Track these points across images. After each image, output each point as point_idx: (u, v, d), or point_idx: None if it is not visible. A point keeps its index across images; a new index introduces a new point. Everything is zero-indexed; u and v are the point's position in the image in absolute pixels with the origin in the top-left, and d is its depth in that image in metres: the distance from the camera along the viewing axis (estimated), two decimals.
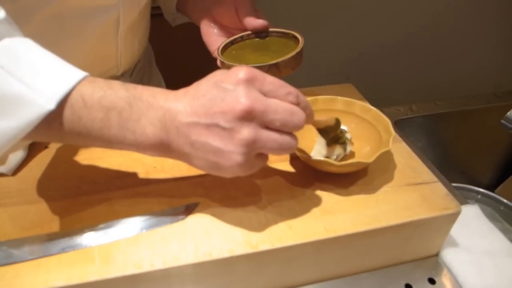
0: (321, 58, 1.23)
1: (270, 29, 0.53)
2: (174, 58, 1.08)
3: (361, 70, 1.38)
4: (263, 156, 0.36)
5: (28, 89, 0.30)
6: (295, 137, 0.35)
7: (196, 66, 1.15)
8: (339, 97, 0.51)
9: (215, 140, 0.32)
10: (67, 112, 0.31)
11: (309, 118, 0.36)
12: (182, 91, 0.34)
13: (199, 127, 0.32)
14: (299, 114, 0.34)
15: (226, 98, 0.32)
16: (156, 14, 0.64)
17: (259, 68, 0.44)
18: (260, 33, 0.53)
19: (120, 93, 0.33)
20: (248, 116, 0.32)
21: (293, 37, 0.52)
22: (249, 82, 0.33)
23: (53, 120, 0.31)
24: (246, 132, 0.32)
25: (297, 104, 0.34)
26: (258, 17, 0.52)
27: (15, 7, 0.34)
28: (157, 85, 0.74)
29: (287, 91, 0.34)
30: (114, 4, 0.48)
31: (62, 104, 0.31)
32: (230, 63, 0.48)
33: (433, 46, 1.42)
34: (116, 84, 0.34)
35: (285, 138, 0.34)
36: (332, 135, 0.44)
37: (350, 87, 0.63)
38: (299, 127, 0.34)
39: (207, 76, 0.35)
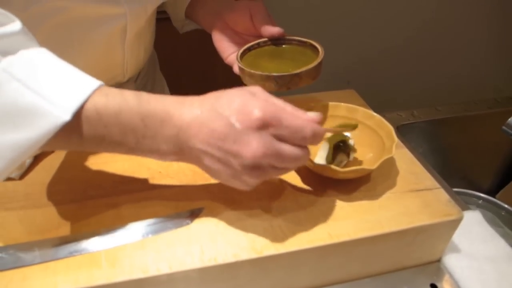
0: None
1: (287, 37, 0.53)
2: (178, 63, 1.08)
3: (362, 75, 1.39)
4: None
5: (44, 101, 0.30)
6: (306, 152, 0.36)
7: (199, 71, 1.16)
8: (342, 104, 0.51)
9: (226, 170, 0.34)
10: (84, 125, 0.32)
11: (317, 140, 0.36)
12: (196, 107, 0.34)
13: (212, 157, 0.34)
14: (304, 160, 0.35)
15: (238, 142, 0.32)
16: (159, 19, 0.64)
17: (282, 77, 0.45)
18: (276, 40, 0.53)
19: (134, 109, 0.33)
20: (257, 164, 0.33)
21: (311, 46, 0.51)
22: (263, 127, 0.32)
23: (71, 132, 0.32)
24: (255, 173, 0.33)
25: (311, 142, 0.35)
26: (273, 24, 0.51)
27: (24, 15, 0.34)
28: (161, 90, 0.75)
29: (302, 137, 0.34)
30: (121, 13, 0.48)
31: (78, 115, 0.32)
32: (252, 71, 0.46)
33: (434, 51, 1.43)
34: (129, 96, 0.34)
35: (298, 153, 0.34)
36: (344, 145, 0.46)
37: (352, 93, 0.63)
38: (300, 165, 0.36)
39: (224, 97, 0.34)
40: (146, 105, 0.34)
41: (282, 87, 0.45)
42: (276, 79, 0.45)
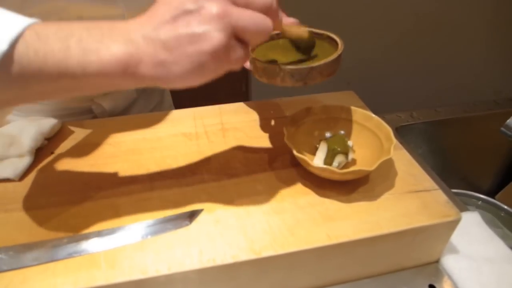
0: None
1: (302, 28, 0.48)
2: None
3: (362, 76, 1.39)
4: (244, 43, 0.33)
5: None
6: (267, 18, 0.33)
7: None
8: (340, 105, 0.52)
9: (187, 27, 0.30)
10: (22, 50, 0.29)
11: (276, 23, 0.34)
12: (141, 17, 0.32)
13: (166, 25, 0.30)
14: (267, 20, 0.32)
15: None
16: None
17: (300, 70, 0.41)
18: None
19: (76, 24, 0.30)
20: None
21: (328, 38, 0.48)
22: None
23: (8, 63, 0.29)
24: (215, 6, 0.30)
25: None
26: (285, 15, 0.47)
27: (22, 14, 0.35)
28: (162, 91, 0.75)
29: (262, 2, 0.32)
30: (119, 14, 0.49)
31: (14, 45, 0.28)
32: (265, 64, 0.42)
33: (434, 53, 1.43)
34: (70, 21, 0.31)
35: (258, 15, 0.32)
36: (308, 51, 0.43)
37: (351, 94, 0.64)
38: (268, 27, 0.32)
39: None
40: (88, 22, 0.31)
41: (299, 81, 0.42)
42: (293, 73, 0.41)
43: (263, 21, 0.32)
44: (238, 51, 0.32)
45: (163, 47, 0.30)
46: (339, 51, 0.44)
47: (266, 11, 0.32)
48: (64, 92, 0.32)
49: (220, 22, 0.30)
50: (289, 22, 0.47)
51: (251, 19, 0.31)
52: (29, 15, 0.40)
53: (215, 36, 0.30)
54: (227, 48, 0.30)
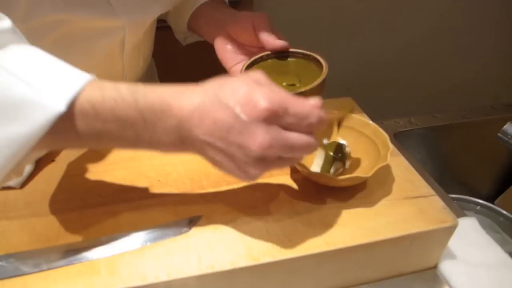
0: None
1: (291, 50, 0.52)
2: (178, 73, 1.09)
3: (361, 82, 1.40)
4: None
5: (37, 92, 0.29)
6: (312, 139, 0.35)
7: (198, 79, 1.17)
8: (338, 112, 0.52)
9: (230, 163, 0.33)
10: (81, 120, 0.31)
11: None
12: (198, 98, 0.33)
13: (215, 148, 0.33)
14: (312, 147, 0.34)
15: (243, 133, 0.31)
16: (160, 27, 0.65)
17: None
18: (280, 53, 0.52)
19: (131, 103, 0.32)
20: (263, 155, 0.32)
21: (314, 60, 0.50)
22: (270, 118, 0.32)
23: (68, 127, 0.31)
24: (260, 166, 0.33)
25: (317, 126, 0.35)
26: (277, 36, 0.51)
27: (26, 28, 0.35)
28: None
29: (308, 123, 0.33)
30: (120, 26, 0.49)
31: (72, 108, 0.30)
32: None
33: (432, 59, 1.44)
34: (125, 90, 0.32)
35: (303, 141, 0.34)
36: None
37: (349, 101, 0.64)
38: (309, 153, 0.36)
39: (227, 85, 0.33)
40: (142, 99, 0.32)
41: None
42: None
43: (307, 147, 0.34)
44: (273, 169, 0.35)
45: (207, 157, 0.34)
46: (323, 76, 0.47)
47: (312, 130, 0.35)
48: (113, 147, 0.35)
49: (261, 164, 0.33)
50: (278, 44, 0.50)
51: (298, 149, 0.34)
52: (32, 27, 0.41)
53: (251, 173, 0.34)
54: (261, 175, 0.34)
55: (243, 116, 0.31)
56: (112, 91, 0.32)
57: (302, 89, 0.45)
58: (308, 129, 0.34)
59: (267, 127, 0.32)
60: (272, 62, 0.52)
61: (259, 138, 0.31)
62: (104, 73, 0.54)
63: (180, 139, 0.33)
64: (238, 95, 0.32)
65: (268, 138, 0.31)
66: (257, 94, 0.32)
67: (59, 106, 0.29)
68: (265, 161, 0.33)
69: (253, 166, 0.33)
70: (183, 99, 0.33)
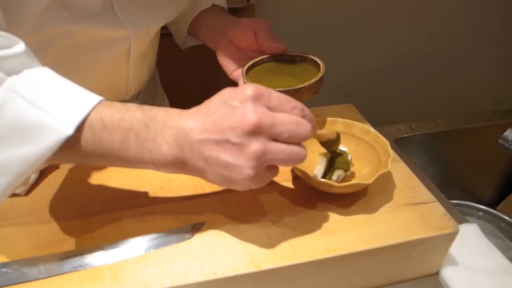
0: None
1: (289, 53, 0.55)
2: (180, 78, 1.10)
3: (362, 88, 1.41)
4: (274, 168, 0.37)
5: (48, 116, 0.32)
6: (303, 147, 0.36)
7: (202, 86, 1.18)
8: (339, 119, 0.53)
9: (226, 155, 0.34)
10: (88, 136, 0.33)
11: (314, 130, 0.37)
12: (193, 110, 0.36)
13: (210, 143, 0.34)
14: (305, 125, 0.35)
15: (234, 115, 0.33)
16: (161, 34, 0.66)
17: (286, 92, 0.45)
18: (279, 56, 0.55)
19: (137, 114, 0.35)
20: (256, 130, 0.33)
21: (312, 61, 0.53)
22: (256, 98, 0.34)
23: (74, 144, 0.33)
24: (255, 145, 0.33)
25: (303, 117, 0.36)
26: (276, 40, 0.54)
27: (34, 39, 0.36)
28: (161, 104, 0.76)
29: (293, 105, 0.35)
30: (125, 36, 0.50)
31: (80, 128, 0.33)
32: None
33: (433, 65, 1.45)
34: (133, 106, 0.36)
35: (294, 149, 0.35)
36: (334, 148, 0.46)
37: (351, 108, 0.65)
38: (306, 137, 0.35)
39: (216, 94, 0.36)
40: (148, 112, 0.36)
41: None
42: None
43: (298, 156, 0.35)
44: (266, 178, 0.36)
45: (203, 160, 0.35)
46: (320, 74, 0.49)
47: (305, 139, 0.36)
48: (115, 166, 0.37)
49: (255, 161, 0.33)
50: (278, 47, 0.53)
51: (286, 155, 0.35)
52: (41, 38, 0.42)
53: (247, 172, 0.34)
54: (255, 178, 0.35)
55: (232, 102, 0.34)
56: (121, 107, 0.35)
57: (301, 85, 0.47)
58: (294, 112, 0.35)
59: (255, 106, 0.34)
60: (271, 64, 0.55)
61: (249, 114, 0.33)
62: (109, 81, 0.56)
63: (179, 146, 0.35)
64: (226, 92, 0.36)
65: (257, 113, 0.33)
66: (243, 87, 0.35)
67: (68, 130, 0.32)
68: (259, 140, 0.33)
69: (248, 146, 0.33)
70: (183, 113, 0.36)
